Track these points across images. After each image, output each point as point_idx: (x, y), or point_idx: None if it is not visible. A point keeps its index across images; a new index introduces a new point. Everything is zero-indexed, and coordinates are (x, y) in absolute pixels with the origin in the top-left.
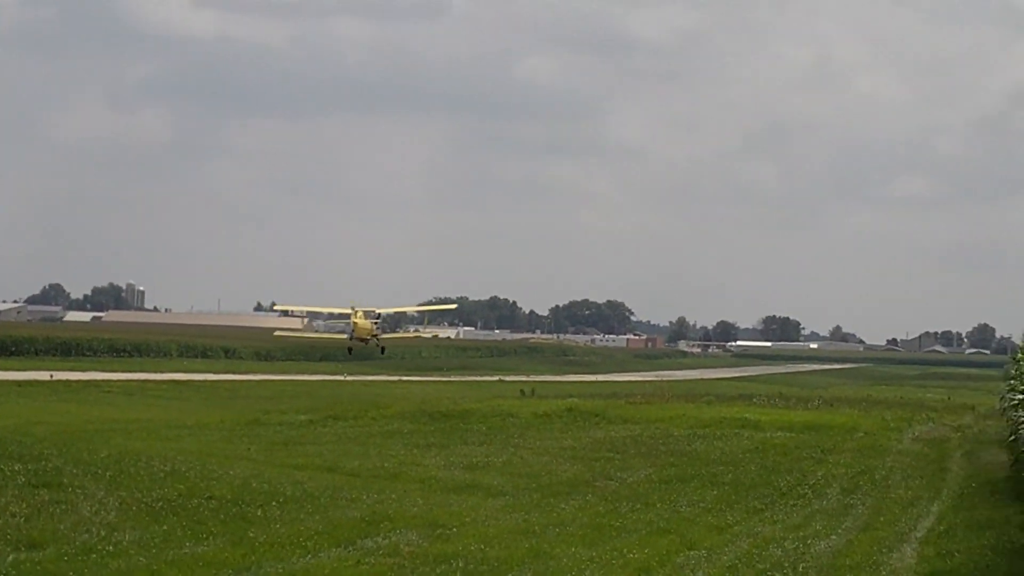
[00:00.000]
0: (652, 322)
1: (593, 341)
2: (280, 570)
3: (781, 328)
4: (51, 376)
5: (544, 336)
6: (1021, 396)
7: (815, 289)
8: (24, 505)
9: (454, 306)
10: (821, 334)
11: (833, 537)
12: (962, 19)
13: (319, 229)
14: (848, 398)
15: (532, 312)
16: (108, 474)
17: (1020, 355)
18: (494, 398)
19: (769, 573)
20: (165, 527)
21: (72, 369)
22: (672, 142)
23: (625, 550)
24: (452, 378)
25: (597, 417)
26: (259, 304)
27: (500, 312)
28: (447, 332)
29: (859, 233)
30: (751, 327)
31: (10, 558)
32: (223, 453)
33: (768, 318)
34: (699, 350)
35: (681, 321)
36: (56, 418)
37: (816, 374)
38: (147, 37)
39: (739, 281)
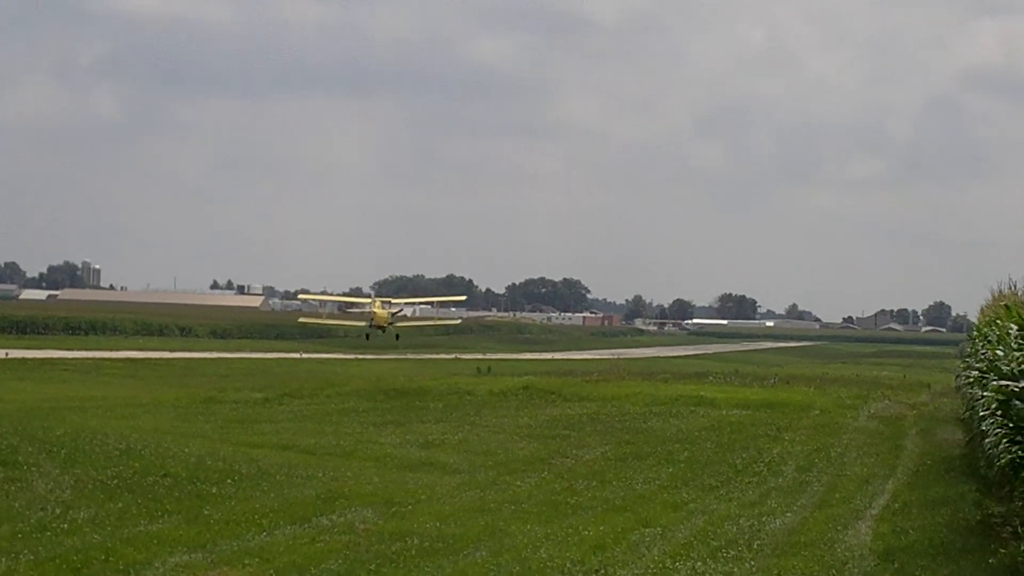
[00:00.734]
0: (608, 300)
1: (549, 319)
2: (235, 547)
3: (737, 306)
4: (6, 354)
5: (500, 314)
6: (976, 374)
7: (771, 267)
8: None
9: (463, 297)
10: (777, 312)
11: (788, 514)
12: (913, 0)
13: (274, 208)
14: (804, 376)
15: (488, 290)
16: (63, 452)
17: (975, 333)
18: (450, 376)
19: (724, 550)
20: (120, 505)
21: (27, 347)
22: (625, 123)
23: (581, 527)
24: (408, 356)
25: (553, 395)
26: (215, 282)
27: (456, 290)
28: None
29: (814, 212)
30: (707, 305)
31: None
32: (178, 431)
33: (724, 296)
34: (655, 328)
35: (637, 299)
36: (11, 396)
37: (772, 352)
38: (98, 16)
39: (695, 260)
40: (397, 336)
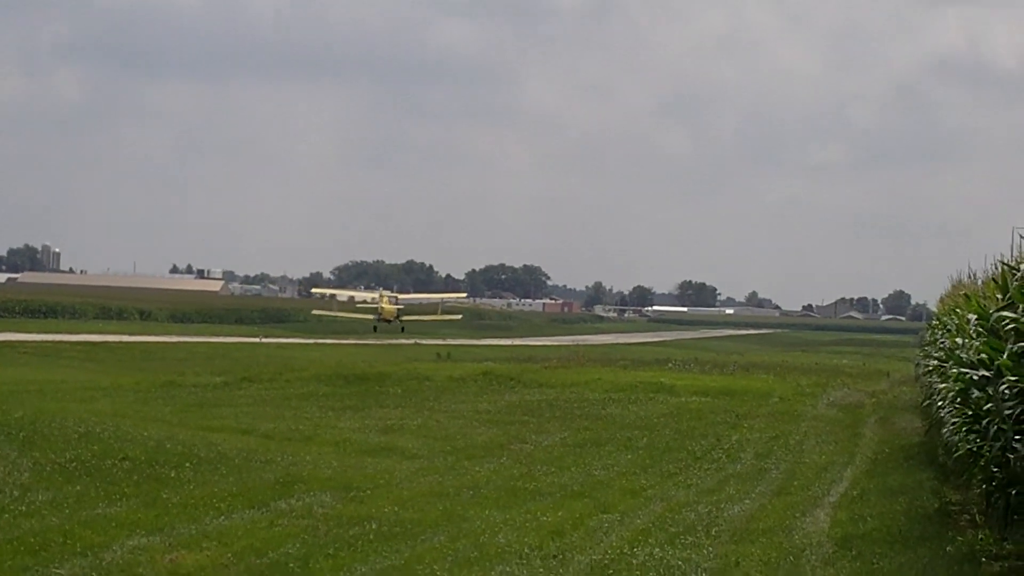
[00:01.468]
0: (569, 287)
1: (509, 305)
2: (193, 531)
3: (697, 293)
4: None
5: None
6: (935, 363)
7: (731, 255)
8: None
9: (463, 294)
10: (737, 300)
11: (747, 501)
12: None
13: (234, 192)
14: (763, 363)
15: (448, 276)
16: (22, 435)
17: (935, 322)
18: (410, 361)
19: (682, 536)
20: (79, 488)
21: None
22: (586, 108)
23: (539, 513)
24: (368, 341)
25: (513, 381)
26: (175, 266)
27: (416, 276)
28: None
29: (774, 200)
30: (667, 292)
31: None
32: (137, 415)
33: (684, 283)
34: (615, 315)
35: (598, 286)
36: None
37: (732, 339)
38: None
39: (655, 247)
40: (402, 328)
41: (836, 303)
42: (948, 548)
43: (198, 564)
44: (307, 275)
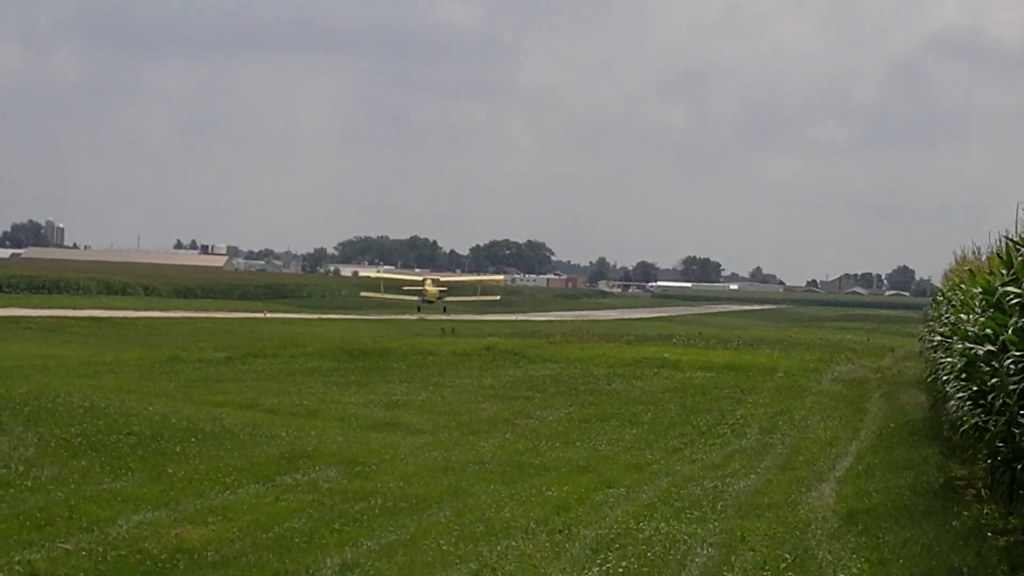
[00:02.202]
0: (573, 262)
1: (513, 281)
2: (199, 506)
3: (701, 269)
4: None
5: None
6: (939, 338)
7: (735, 231)
8: None
9: (500, 277)
10: (741, 275)
11: (752, 476)
12: None
13: (237, 169)
14: (768, 339)
15: (452, 251)
16: (27, 410)
17: (939, 297)
18: (414, 336)
19: (688, 511)
20: (84, 463)
21: None
22: (587, 85)
23: (544, 488)
24: (372, 316)
25: (517, 356)
26: (179, 242)
27: (420, 252)
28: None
29: (777, 176)
30: (672, 268)
31: None
32: (142, 390)
33: (688, 259)
34: (619, 290)
35: (602, 261)
36: None
37: (736, 315)
38: None
39: (660, 222)
40: (444, 308)
41: (840, 279)
42: (954, 523)
43: (204, 539)
44: (311, 251)
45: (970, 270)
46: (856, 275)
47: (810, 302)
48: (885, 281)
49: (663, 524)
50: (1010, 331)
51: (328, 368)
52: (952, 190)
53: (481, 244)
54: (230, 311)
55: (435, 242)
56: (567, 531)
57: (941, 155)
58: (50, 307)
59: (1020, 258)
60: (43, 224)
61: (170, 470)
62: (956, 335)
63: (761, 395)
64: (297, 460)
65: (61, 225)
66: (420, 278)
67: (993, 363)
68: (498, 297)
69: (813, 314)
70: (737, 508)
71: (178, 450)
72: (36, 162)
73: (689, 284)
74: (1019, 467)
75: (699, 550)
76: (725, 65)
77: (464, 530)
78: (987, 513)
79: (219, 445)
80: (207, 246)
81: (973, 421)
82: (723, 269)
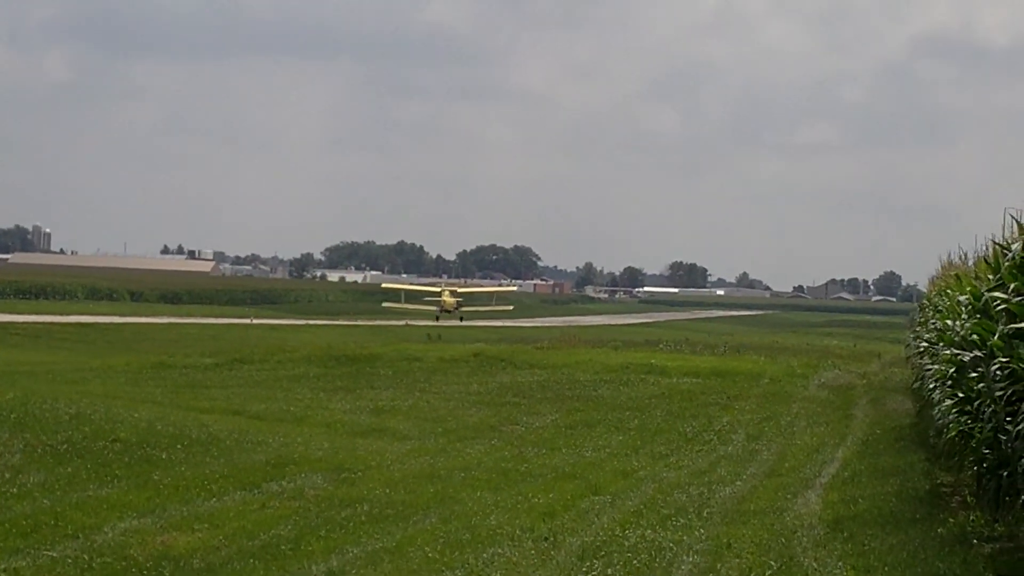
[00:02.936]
0: (559, 268)
1: (500, 286)
2: (185, 512)
3: (688, 274)
4: None
5: (451, 281)
6: (926, 344)
7: (722, 236)
8: None
9: (513, 287)
10: (728, 280)
11: (738, 483)
12: None
13: (224, 172)
14: (754, 345)
15: (439, 257)
16: (13, 416)
17: (925, 302)
18: (401, 342)
19: (674, 518)
20: (70, 469)
21: None
22: (576, 88)
23: (530, 494)
24: (359, 322)
25: (503, 362)
26: (166, 247)
27: (407, 257)
28: (354, 277)
29: (765, 180)
30: (658, 273)
31: None
32: (128, 396)
33: (675, 264)
34: (606, 296)
35: (588, 267)
36: None
37: (722, 320)
38: None
39: (646, 227)
40: (461, 318)
41: (827, 284)
42: (940, 530)
43: (190, 546)
44: (298, 256)
45: (957, 275)
46: (843, 280)
47: (797, 308)
48: (872, 287)
49: (649, 531)
50: (997, 337)
51: (315, 374)
52: (940, 193)
53: (468, 249)
54: (217, 317)
55: (422, 247)
56: (553, 538)
57: (929, 157)
58: (37, 313)
59: (1007, 263)
60: (30, 229)
61: (156, 477)
62: (943, 341)
63: (747, 401)
64: (283, 467)
65: (48, 230)
66: (439, 289)
67: (980, 369)
68: (511, 307)
69: (800, 320)
70: (723, 515)
71: (164, 457)
72: (23, 166)
73: (676, 290)
74: (1005, 474)
75: (685, 557)
76: (714, 67)
77: (450, 537)
78: (973, 520)
79: (205, 452)
80: (194, 251)
81: (959, 428)
82: (710, 274)
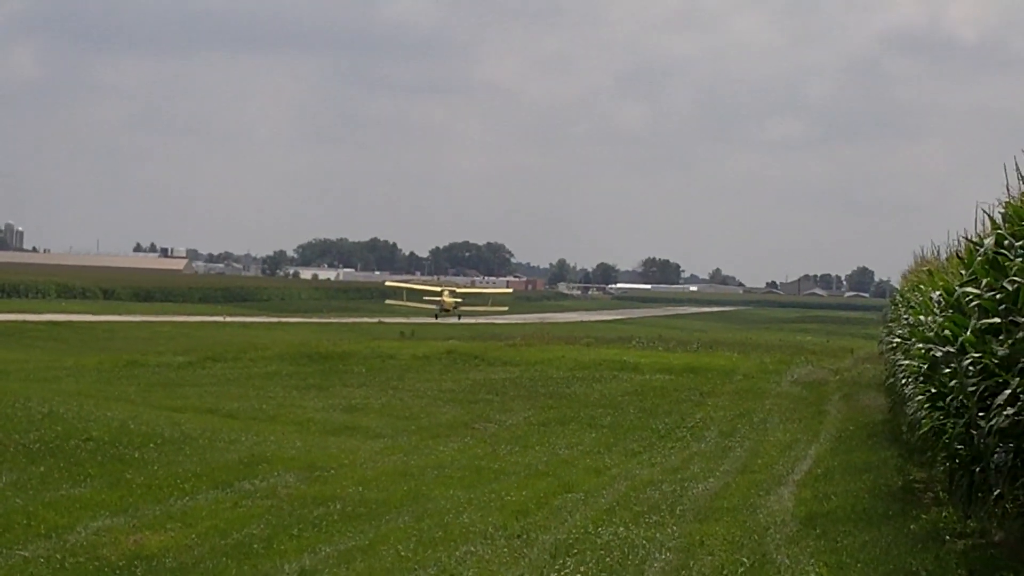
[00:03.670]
0: (532, 264)
1: (473, 283)
2: (158, 512)
3: (661, 271)
4: None
5: (424, 278)
6: (898, 339)
7: (695, 232)
8: None
9: (510, 291)
10: (701, 277)
11: (711, 480)
12: None
13: (195, 169)
14: (727, 341)
15: (412, 254)
16: None
17: (898, 298)
18: (373, 340)
19: (647, 515)
20: (42, 469)
21: None
22: (544, 82)
23: (503, 492)
24: (332, 320)
25: (477, 359)
26: (138, 245)
27: (380, 254)
28: (327, 274)
29: (735, 175)
30: (631, 270)
31: None
32: (101, 394)
33: (648, 260)
34: (579, 292)
35: (561, 264)
36: None
37: (695, 317)
38: None
39: (619, 223)
40: (459, 316)
41: (800, 280)
42: (912, 526)
43: (162, 545)
44: (271, 253)
45: (929, 271)
46: (815, 276)
47: (769, 304)
48: (844, 282)
49: (622, 528)
50: (969, 332)
51: (287, 372)
52: (910, 188)
53: (441, 246)
54: (189, 315)
55: (395, 244)
56: (526, 536)
57: (898, 152)
58: (9, 311)
59: (979, 258)
60: (2, 228)
61: (129, 476)
62: (915, 336)
63: (720, 398)
64: (256, 465)
65: (20, 228)
66: (439, 288)
67: (952, 364)
68: (507, 308)
69: (772, 316)
70: (696, 512)
71: (137, 456)
72: None
73: (649, 286)
74: (978, 469)
75: (657, 555)
76: (682, 61)
77: (423, 535)
78: (945, 516)
79: (178, 450)
80: (167, 249)
81: (932, 424)
82: (683, 271)
